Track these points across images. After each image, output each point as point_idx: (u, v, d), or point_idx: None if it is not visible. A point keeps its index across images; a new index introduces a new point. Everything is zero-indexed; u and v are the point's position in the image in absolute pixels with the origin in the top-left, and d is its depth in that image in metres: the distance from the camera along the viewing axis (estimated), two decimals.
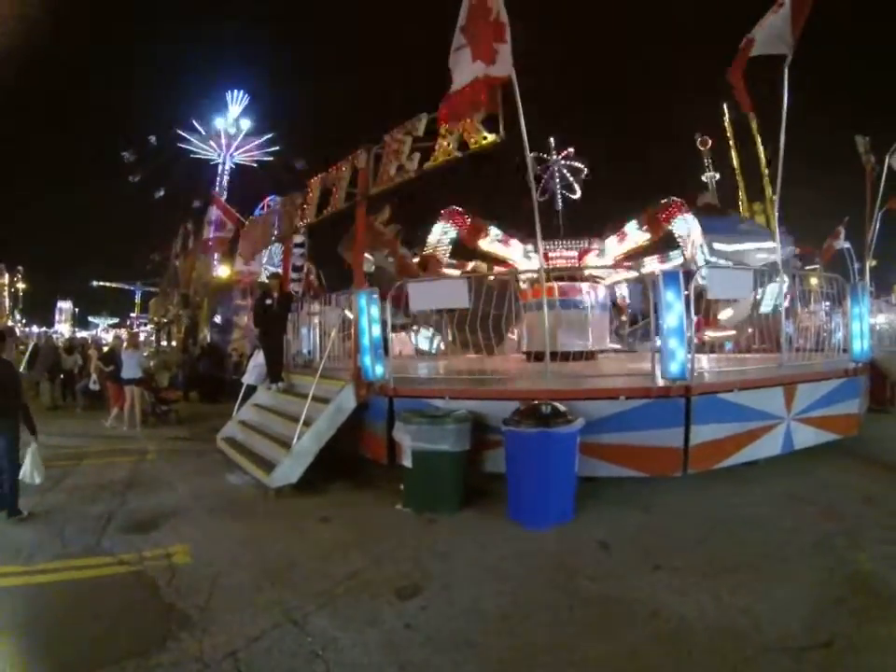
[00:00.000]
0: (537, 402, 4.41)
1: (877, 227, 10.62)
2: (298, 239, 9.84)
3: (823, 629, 2.83)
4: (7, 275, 50.19)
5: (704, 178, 44.21)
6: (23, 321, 51.18)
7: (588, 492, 4.82)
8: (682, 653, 2.68)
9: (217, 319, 17.84)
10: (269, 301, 7.49)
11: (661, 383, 5.01)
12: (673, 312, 4.87)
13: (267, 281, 9.90)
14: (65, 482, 5.98)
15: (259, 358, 8.11)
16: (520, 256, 12.36)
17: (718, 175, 44.38)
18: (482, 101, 5.19)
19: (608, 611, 3.09)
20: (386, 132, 6.11)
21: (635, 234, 11.79)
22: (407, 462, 4.75)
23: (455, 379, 6.50)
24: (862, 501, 4.71)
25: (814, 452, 5.87)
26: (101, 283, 52.99)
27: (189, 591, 3.46)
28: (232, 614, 3.13)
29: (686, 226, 11.00)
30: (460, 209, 12.38)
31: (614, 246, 12.17)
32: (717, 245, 10.51)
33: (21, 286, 52.33)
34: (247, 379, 8.22)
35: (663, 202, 11.41)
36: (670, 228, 11.22)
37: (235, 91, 42.22)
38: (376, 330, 5.72)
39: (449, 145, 5.32)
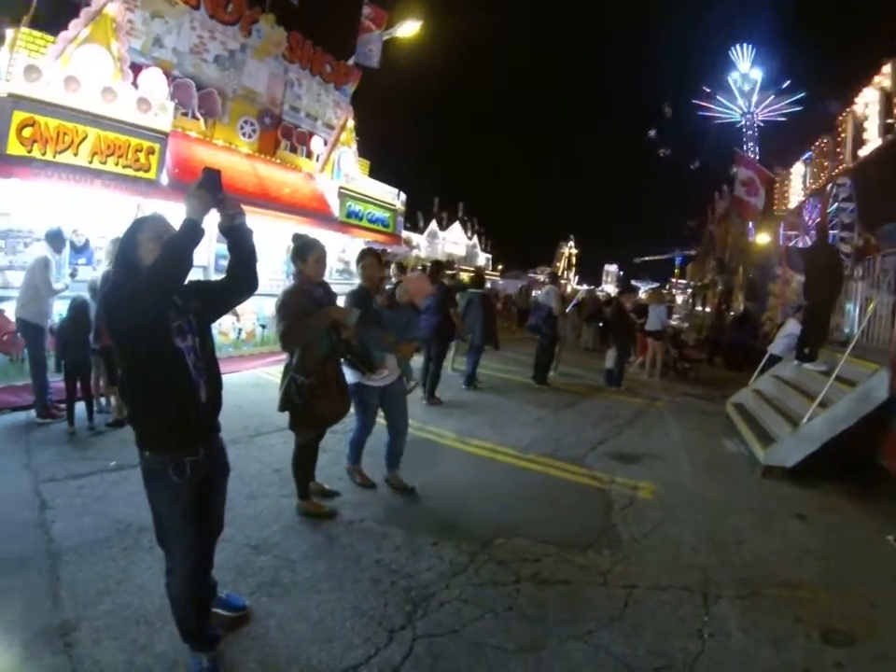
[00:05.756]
0: None
1: None
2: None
3: None
4: (569, 243, 61.91)
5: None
6: (577, 279, 62.62)
7: None
8: None
9: (753, 286, 16.47)
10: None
11: None
12: None
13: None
14: (577, 405, 7.14)
15: (789, 328, 7.36)
16: None
17: None
18: None
19: None
20: None
21: None
22: None
23: None
24: None
25: None
26: (642, 259, 59.80)
27: (635, 521, 3.68)
28: (655, 554, 3.23)
29: None
30: None
31: None
32: None
33: (573, 251, 63.59)
34: (773, 349, 7.59)
35: None
36: None
37: (739, 46, 40.68)
38: None
39: None
